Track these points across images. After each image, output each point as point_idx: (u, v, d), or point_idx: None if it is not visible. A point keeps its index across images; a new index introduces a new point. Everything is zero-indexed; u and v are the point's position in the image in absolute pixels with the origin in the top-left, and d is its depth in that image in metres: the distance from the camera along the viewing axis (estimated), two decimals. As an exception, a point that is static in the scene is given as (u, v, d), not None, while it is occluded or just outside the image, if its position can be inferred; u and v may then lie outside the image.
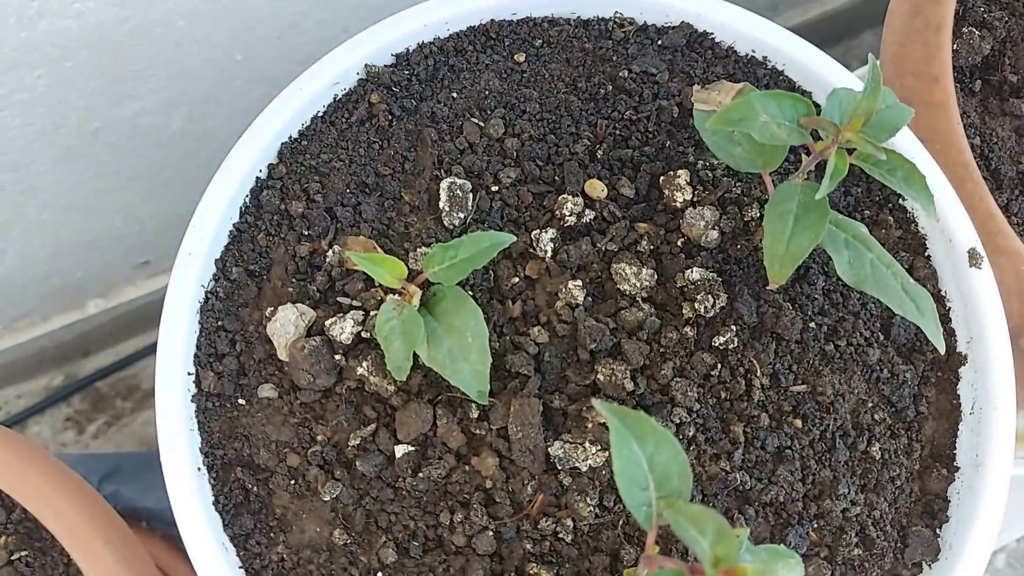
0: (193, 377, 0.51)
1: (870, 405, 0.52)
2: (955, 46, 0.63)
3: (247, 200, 0.55)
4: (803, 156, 0.55)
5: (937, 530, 0.51)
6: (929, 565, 0.50)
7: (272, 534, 0.49)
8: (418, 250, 0.53)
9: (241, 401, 0.51)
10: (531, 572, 0.47)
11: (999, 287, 0.54)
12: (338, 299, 0.52)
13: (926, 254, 0.55)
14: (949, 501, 0.51)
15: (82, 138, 0.77)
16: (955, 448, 0.52)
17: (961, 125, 0.58)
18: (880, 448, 0.51)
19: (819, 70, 0.57)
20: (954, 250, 0.54)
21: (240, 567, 0.49)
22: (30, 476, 0.60)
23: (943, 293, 0.55)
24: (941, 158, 0.57)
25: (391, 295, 0.50)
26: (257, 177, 0.55)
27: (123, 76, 0.73)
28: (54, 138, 0.75)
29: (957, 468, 0.52)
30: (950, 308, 0.54)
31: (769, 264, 0.46)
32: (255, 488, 0.50)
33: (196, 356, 0.52)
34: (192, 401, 0.51)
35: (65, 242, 0.88)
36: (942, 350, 0.46)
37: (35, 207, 0.82)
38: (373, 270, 0.48)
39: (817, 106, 0.49)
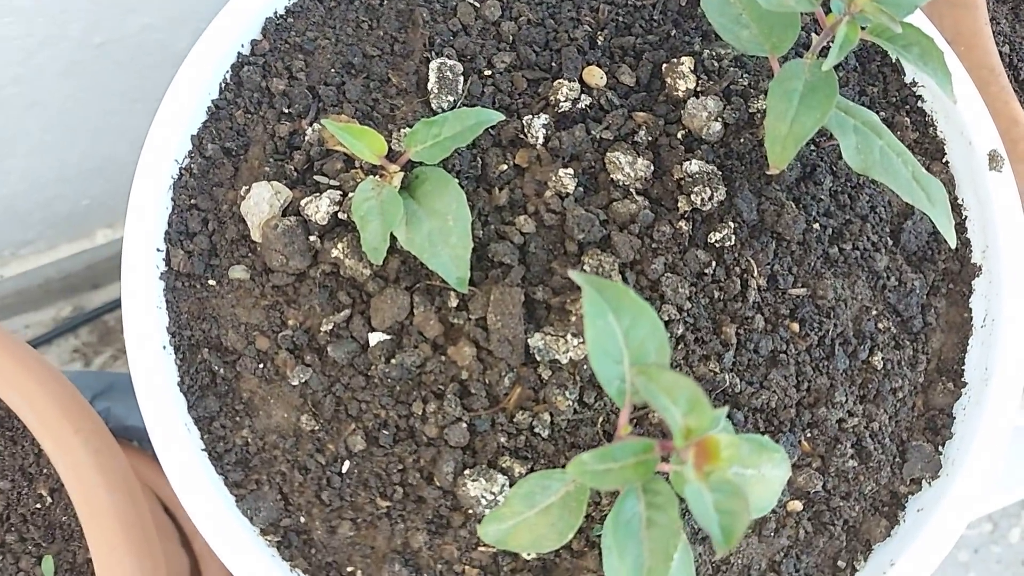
0: (163, 255, 0.49)
1: (874, 313, 0.49)
2: (989, -52, 0.59)
3: (227, 76, 0.52)
4: (814, 38, 0.51)
5: (940, 446, 0.48)
6: (929, 482, 0.47)
7: (238, 418, 0.47)
8: (402, 131, 0.50)
9: (211, 282, 0.49)
10: (504, 466, 0.45)
11: (1021, 197, 0.51)
12: (316, 179, 0.49)
13: (944, 159, 0.52)
14: (954, 417, 0.48)
15: (86, 52, 0.75)
16: (964, 363, 0.49)
17: (989, 26, 0.54)
18: (882, 358, 0.48)
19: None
20: (973, 153, 0.50)
21: (203, 450, 0.47)
22: (2, 362, 0.59)
23: (960, 201, 0.51)
24: (966, 60, 0.53)
25: (371, 175, 0.47)
26: (239, 52, 0.52)
27: (128, -13, 0.71)
28: (57, 51, 0.73)
29: (965, 383, 0.49)
30: (966, 216, 0.51)
31: (770, 146, 0.43)
32: (222, 370, 0.48)
33: (167, 233, 0.50)
34: (160, 279, 0.49)
35: (70, 165, 0.87)
36: (952, 243, 0.43)
37: (40, 125, 0.80)
38: (350, 142, 0.46)
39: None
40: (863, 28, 0.43)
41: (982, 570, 1.30)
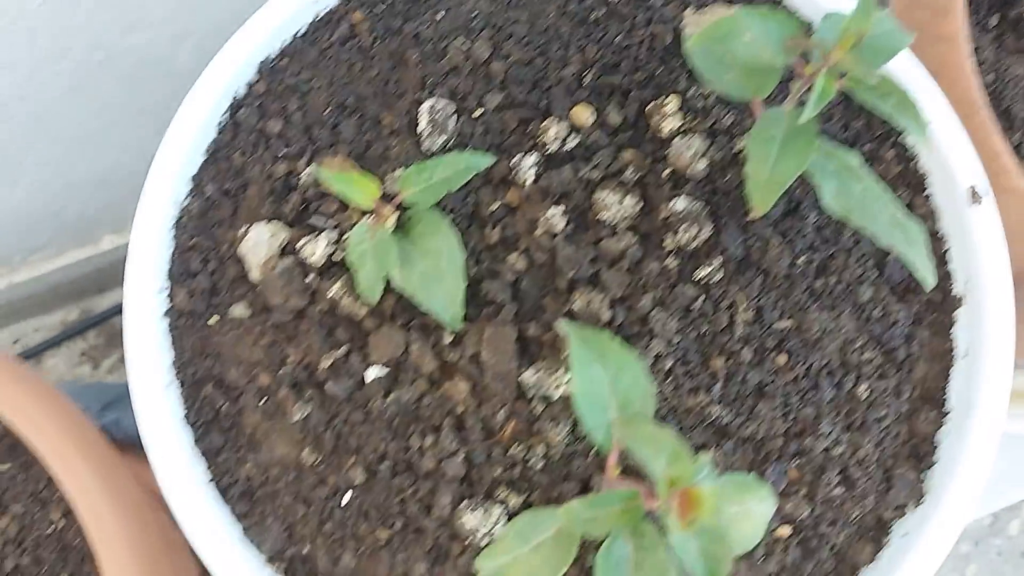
0: (166, 293, 0.51)
1: (859, 344, 0.50)
2: (971, -22, 0.60)
3: (224, 118, 0.53)
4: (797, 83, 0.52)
5: (922, 474, 0.49)
6: (913, 508, 0.49)
7: (241, 451, 0.49)
8: (395, 172, 0.52)
9: (213, 320, 0.51)
10: (500, 497, 0.47)
11: (1004, 229, 0.52)
12: (311, 220, 0.51)
13: (925, 193, 0.53)
14: (937, 445, 0.50)
15: (88, 68, 0.76)
16: (946, 391, 0.50)
17: (971, 59, 0.55)
18: (867, 388, 0.49)
19: (826, 3, 0.54)
20: (955, 187, 0.51)
21: (210, 481, 0.49)
22: (10, 391, 0.60)
23: (941, 234, 0.52)
24: (949, 93, 0.54)
25: (365, 216, 0.49)
26: (235, 96, 0.54)
27: (129, 6, 0.72)
28: (60, 68, 0.74)
29: (947, 412, 0.50)
30: (948, 249, 0.52)
31: (752, 191, 0.44)
32: (225, 406, 0.49)
33: (169, 272, 0.51)
34: (164, 317, 0.50)
35: (77, 176, 0.88)
36: (930, 284, 0.44)
37: (45, 138, 0.81)
38: (345, 188, 0.47)
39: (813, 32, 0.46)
40: (842, 76, 0.44)
41: (983, 562, 1.31)
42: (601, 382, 0.37)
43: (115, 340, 1.08)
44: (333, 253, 0.50)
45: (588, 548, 0.47)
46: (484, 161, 0.48)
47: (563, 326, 0.36)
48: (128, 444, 0.82)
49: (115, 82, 0.80)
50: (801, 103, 0.43)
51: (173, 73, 0.81)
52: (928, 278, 0.44)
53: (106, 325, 1.08)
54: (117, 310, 1.07)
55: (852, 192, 0.44)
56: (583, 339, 0.37)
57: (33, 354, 1.06)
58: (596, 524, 0.34)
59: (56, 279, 1.01)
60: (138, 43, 0.76)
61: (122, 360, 1.07)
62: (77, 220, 0.95)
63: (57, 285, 1.02)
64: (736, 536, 0.38)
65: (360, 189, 0.47)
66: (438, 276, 0.47)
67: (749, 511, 0.39)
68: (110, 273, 1.05)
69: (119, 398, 0.88)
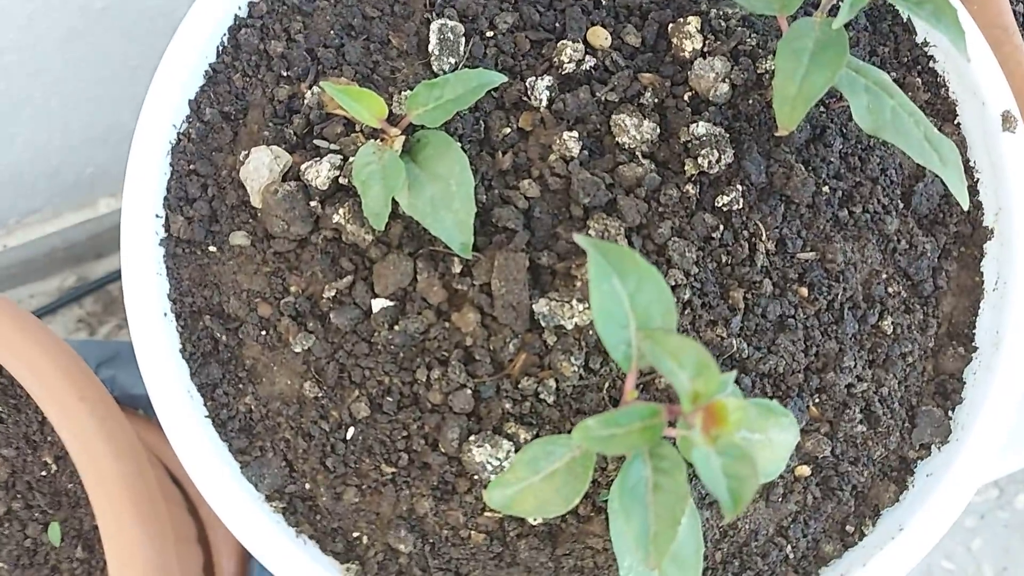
0: (163, 220, 0.49)
1: (884, 277, 0.48)
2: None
3: (224, 39, 0.51)
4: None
5: (950, 411, 0.47)
6: (939, 447, 0.47)
7: (241, 385, 0.47)
8: (403, 94, 0.50)
9: (212, 248, 0.49)
10: (509, 432, 0.45)
11: (1034, 160, 0.50)
12: (316, 143, 0.49)
13: (956, 121, 0.51)
14: (964, 382, 0.48)
15: (87, 17, 0.74)
16: (975, 327, 0.48)
17: (1005, -16, 0.53)
18: (892, 322, 0.47)
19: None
20: (986, 115, 0.49)
21: (207, 416, 0.47)
22: (5, 330, 0.58)
23: (972, 163, 0.50)
24: (979, 18, 0.52)
25: (372, 139, 0.46)
26: (236, 15, 0.51)
27: (129, -50, 0.70)
28: (58, 17, 0.72)
29: (975, 348, 0.48)
30: (978, 179, 0.50)
31: (779, 106, 0.42)
32: (224, 338, 0.47)
33: (166, 199, 0.49)
34: (160, 245, 0.48)
35: (74, 133, 0.86)
36: (965, 205, 0.42)
37: (42, 92, 0.79)
38: (350, 105, 0.45)
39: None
40: (876, -16, 0.42)
41: (988, 536, 1.30)
42: (620, 297, 0.35)
43: (112, 306, 1.06)
44: (337, 178, 0.48)
45: (600, 485, 0.46)
46: (497, 78, 0.46)
47: (580, 239, 0.34)
48: (125, 402, 0.81)
49: (115, 32, 0.77)
50: (832, 12, 0.41)
51: (174, 23, 0.78)
52: (963, 197, 0.41)
53: (103, 291, 1.06)
54: (115, 276, 1.05)
55: (883, 108, 0.42)
56: (602, 252, 0.35)
57: (29, 321, 1.04)
58: (613, 443, 0.32)
59: (52, 243, 0.99)
60: None
61: (118, 327, 1.06)
62: (74, 181, 0.92)
63: (53, 250, 1.00)
64: (758, 465, 0.36)
65: (367, 106, 0.45)
66: (447, 201, 0.45)
67: (771, 439, 0.37)
68: (107, 238, 1.03)
69: (115, 356, 0.87)
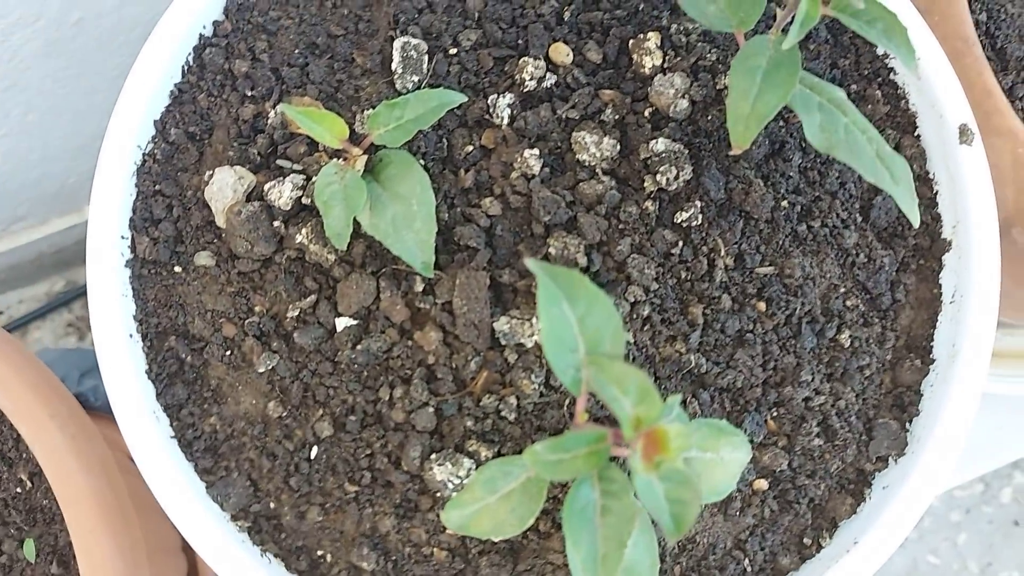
0: (128, 242, 0.49)
1: (842, 291, 0.48)
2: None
3: (190, 58, 0.51)
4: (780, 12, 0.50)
5: (907, 424, 0.48)
6: (895, 460, 0.48)
7: (206, 405, 0.48)
8: (366, 113, 0.50)
9: (177, 268, 0.49)
10: (470, 449, 0.45)
11: (993, 171, 0.50)
12: (279, 163, 0.49)
13: (915, 132, 0.51)
14: (922, 394, 0.48)
15: (62, 30, 0.74)
16: (932, 339, 0.49)
17: (965, -4, 0.53)
18: (850, 336, 0.48)
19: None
20: (944, 127, 0.50)
21: (172, 437, 0.47)
22: (-23, 349, 0.59)
23: (931, 175, 0.51)
24: (940, 30, 0.52)
25: (335, 159, 0.47)
26: (201, 34, 0.52)
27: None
28: (33, 31, 0.72)
29: (933, 360, 0.49)
30: (937, 191, 0.50)
31: (732, 125, 0.42)
32: (189, 358, 0.48)
33: (132, 220, 0.49)
34: (126, 267, 0.49)
35: (55, 145, 0.86)
36: (916, 223, 0.42)
37: (20, 107, 0.79)
38: (311, 127, 0.45)
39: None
40: (826, 3, 0.42)
41: (973, 531, 1.31)
42: (569, 322, 0.35)
43: (102, 310, 1.07)
44: (301, 197, 0.48)
45: (560, 502, 0.46)
46: (457, 98, 0.46)
47: (531, 264, 0.35)
48: (106, 411, 0.81)
49: (92, 44, 0.77)
50: (785, 31, 0.41)
51: (150, 34, 0.79)
52: (914, 216, 0.42)
53: (92, 296, 1.07)
54: (104, 280, 1.06)
55: (837, 126, 0.42)
56: (552, 277, 0.35)
57: (18, 326, 1.04)
58: (561, 468, 0.33)
59: (39, 249, 0.99)
60: (114, 2, 0.74)
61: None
62: (59, 189, 0.93)
63: (41, 255, 1.00)
64: (708, 484, 0.37)
65: (327, 127, 0.46)
66: (409, 221, 0.46)
67: (722, 459, 0.38)
68: (96, 243, 1.03)
69: (97, 365, 0.87)
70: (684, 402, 0.46)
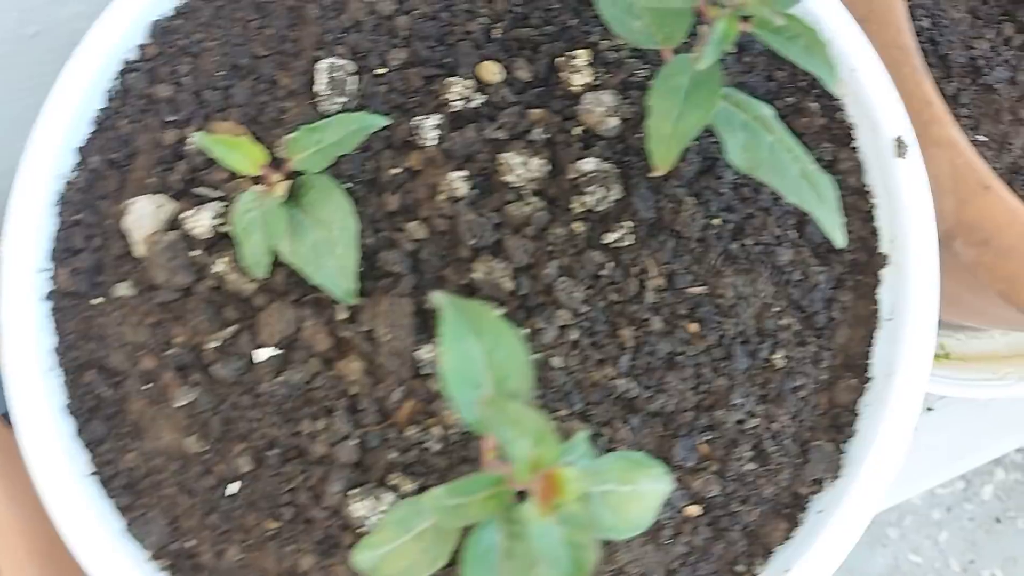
0: (50, 273, 0.48)
1: (777, 310, 0.47)
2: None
3: (115, 84, 0.50)
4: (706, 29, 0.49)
5: (842, 445, 0.47)
6: (830, 482, 0.46)
7: (124, 441, 0.46)
8: (290, 136, 0.49)
9: (97, 300, 0.48)
10: (392, 483, 0.44)
11: (933, 183, 0.49)
12: (197, 191, 0.48)
13: (852, 145, 0.50)
14: (858, 414, 0.47)
15: (19, 43, 0.73)
16: (869, 357, 0.48)
17: (903, 3, 0.52)
18: (785, 356, 0.47)
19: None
20: (880, 139, 0.49)
21: (93, 474, 0.46)
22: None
23: (867, 188, 0.50)
24: (877, 39, 0.51)
25: (256, 185, 0.46)
26: (126, 59, 0.50)
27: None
28: None
29: (869, 379, 0.48)
30: (874, 205, 0.49)
31: (653, 147, 0.41)
32: (108, 392, 0.47)
33: (53, 251, 0.48)
34: (48, 299, 0.48)
35: (11, 158, 0.85)
36: (840, 244, 0.41)
37: None
38: (225, 155, 0.44)
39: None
40: (746, 19, 0.41)
41: (955, 528, 1.30)
42: (475, 357, 0.34)
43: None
44: (221, 225, 0.47)
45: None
46: (378, 121, 0.45)
47: (437, 297, 0.34)
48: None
49: (49, 58, 0.75)
50: (705, 52, 0.40)
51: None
52: (837, 237, 0.41)
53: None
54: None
55: (760, 145, 0.41)
56: (458, 310, 0.34)
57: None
58: (461, 512, 0.32)
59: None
60: (69, 14, 0.72)
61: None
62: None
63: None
64: (625, 518, 0.36)
65: (244, 155, 0.44)
66: (330, 247, 0.44)
67: (640, 491, 0.37)
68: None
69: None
70: (614, 428, 0.45)
